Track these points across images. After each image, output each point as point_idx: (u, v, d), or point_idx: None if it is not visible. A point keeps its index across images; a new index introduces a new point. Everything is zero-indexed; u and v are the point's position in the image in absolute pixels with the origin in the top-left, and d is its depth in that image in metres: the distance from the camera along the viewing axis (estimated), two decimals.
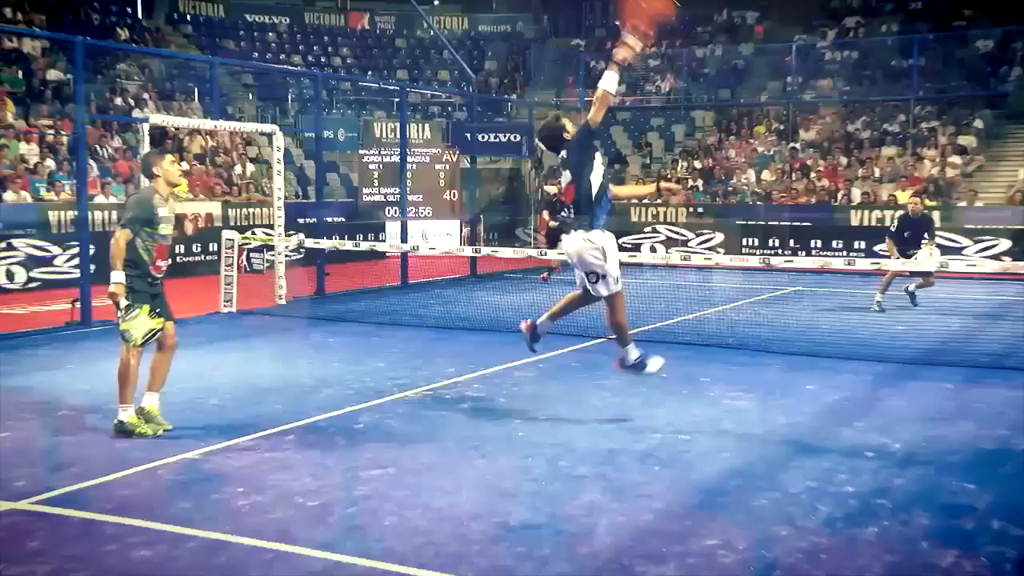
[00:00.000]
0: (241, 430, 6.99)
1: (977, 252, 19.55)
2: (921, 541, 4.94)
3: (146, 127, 12.80)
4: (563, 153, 7.45)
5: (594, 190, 7.24)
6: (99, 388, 8.21)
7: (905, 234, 13.88)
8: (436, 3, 36.07)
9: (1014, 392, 8.50)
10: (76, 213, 13.55)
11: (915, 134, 25.50)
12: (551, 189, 25.75)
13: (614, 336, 7.34)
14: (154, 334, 7.07)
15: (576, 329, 11.35)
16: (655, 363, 7.28)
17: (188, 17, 32.39)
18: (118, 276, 6.91)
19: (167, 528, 5.04)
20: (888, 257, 13.79)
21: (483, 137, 21.26)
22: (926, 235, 13.73)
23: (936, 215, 21.06)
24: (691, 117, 30.06)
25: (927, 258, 13.36)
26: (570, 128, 7.60)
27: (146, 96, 24.06)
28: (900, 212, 15.73)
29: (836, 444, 6.78)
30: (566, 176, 7.36)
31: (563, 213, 7.34)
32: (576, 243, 7.14)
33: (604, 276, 7.06)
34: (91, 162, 18.76)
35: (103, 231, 17.10)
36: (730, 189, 25.33)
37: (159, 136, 20.78)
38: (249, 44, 32.70)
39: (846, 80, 28.71)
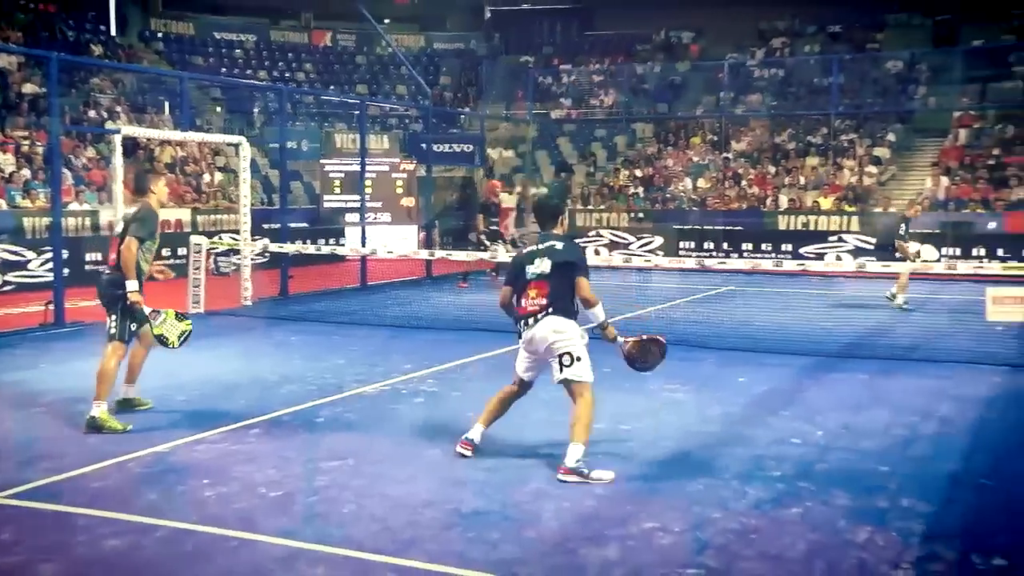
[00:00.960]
0: (208, 424, 6.88)
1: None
2: (840, 519, 5.01)
3: (118, 138, 12.58)
4: (550, 245, 6.10)
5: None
6: (72, 386, 8.06)
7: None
8: (391, 22, 35.84)
9: (922, 381, 8.67)
10: (50, 220, 13.26)
11: (835, 145, 25.89)
12: (502, 196, 25.80)
13: (573, 434, 5.81)
14: (187, 335, 7.23)
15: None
16: (604, 475, 5.74)
17: (159, 34, 31.90)
18: (134, 284, 6.96)
19: (136, 519, 4.95)
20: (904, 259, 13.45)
21: (438, 147, 21.21)
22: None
23: (854, 220, 21.49)
24: (632, 129, 30.22)
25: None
26: (565, 219, 6.47)
27: (119, 109, 23.65)
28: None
29: (765, 432, 6.85)
30: (544, 268, 6.03)
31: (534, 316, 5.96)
32: (552, 327, 5.95)
33: (580, 358, 5.94)
34: (65, 171, 18.38)
35: (76, 237, 16.78)
36: (668, 196, 25.51)
37: (131, 147, 20.47)
38: (217, 60, 32.27)
39: (773, 95, 29.09)
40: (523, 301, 6.05)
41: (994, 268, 12.47)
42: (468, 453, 6.10)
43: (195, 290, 13.11)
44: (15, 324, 11.65)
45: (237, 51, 33.45)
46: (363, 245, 17.29)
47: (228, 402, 7.70)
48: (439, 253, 14.17)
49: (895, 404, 7.77)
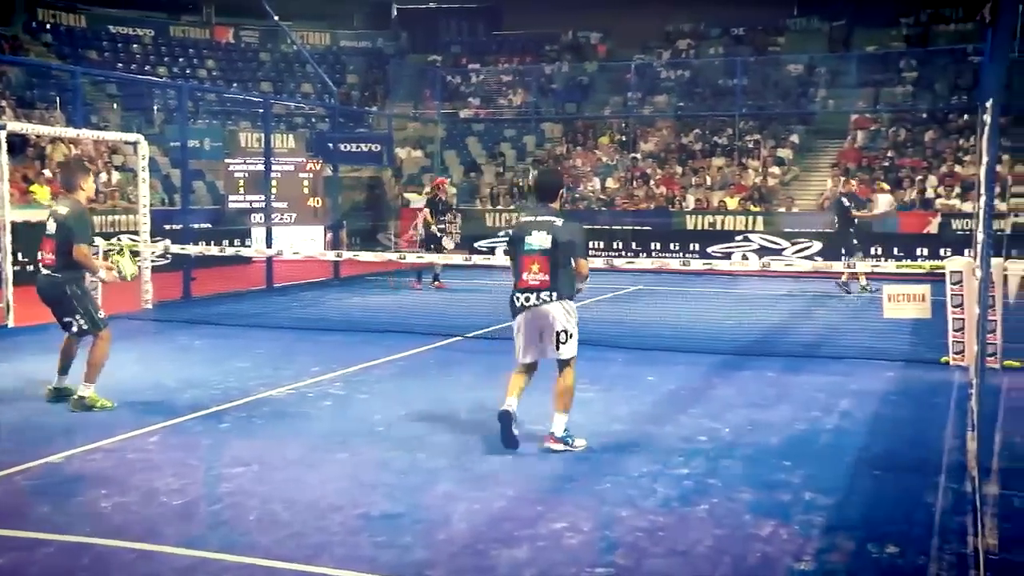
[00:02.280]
0: (104, 432, 6.66)
1: (794, 253, 20.47)
2: (745, 515, 5.13)
3: (3, 134, 12.07)
4: (549, 219, 6.46)
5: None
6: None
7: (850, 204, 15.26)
8: (296, 19, 35.31)
9: (825, 378, 8.94)
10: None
11: (740, 146, 26.54)
12: (411, 196, 25.68)
13: (559, 405, 6.36)
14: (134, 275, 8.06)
15: (431, 329, 11.34)
16: (580, 443, 6.37)
17: (48, 26, 30.71)
18: (103, 271, 7.73)
19: (24, 534, 4.75)
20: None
21: (345, 147, 20.96)
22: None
23: (759, 220, 22.06)
24: (541, 129, 30.42)
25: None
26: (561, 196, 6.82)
27: (3, 104, 22.70)
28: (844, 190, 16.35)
29: (673, 430, 6.97)
30: (541, 245, 6.35)
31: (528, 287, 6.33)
32: (564, 309, 6.35)
33: (573, 335, 6.36)
34: None
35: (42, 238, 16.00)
36: (577, 196, 25.75)
37: (19, 144, 19.67)
38: (112, 54, 31.28)
39: (680, 96, 29.66)
40: (524, 274, 6.36)
41: (890, 267, 12.96)
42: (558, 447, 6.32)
43: (92, 293, 12.65)
44: None
45: (134, 46, 32.49)
46: (269, 246, 17.00)
47: (126, 409, 7.45)
48: (347, 254, 14.02)
49: (799, 400, 7.99)
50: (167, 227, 17.81)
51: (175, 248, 14.17)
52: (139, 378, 8.74)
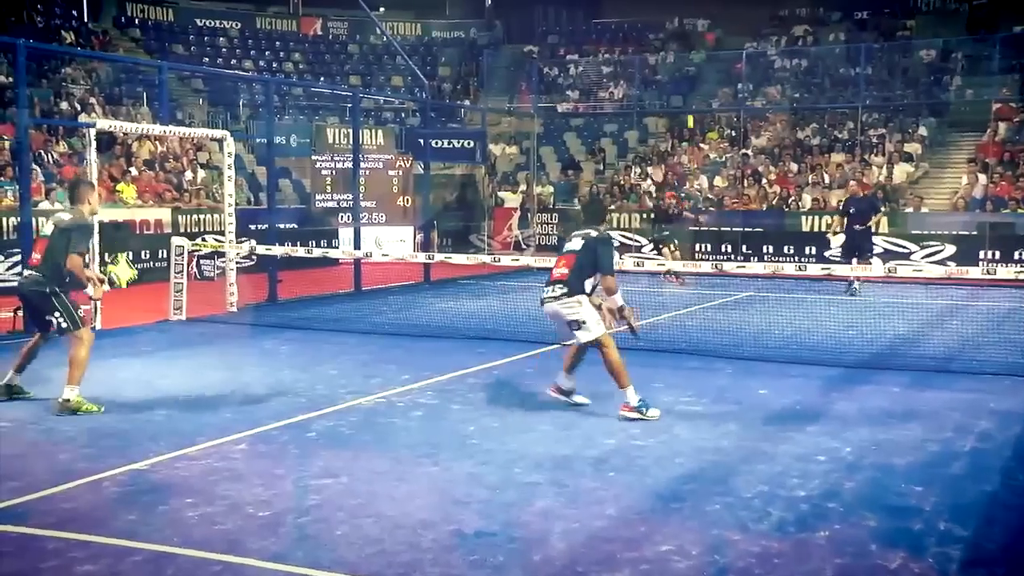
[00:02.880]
0: (190, 439, 6.87)
1: (923, 257, 19.87)
2: (870, 543, 4.98)
3: (92, 132, 12.58)
4: (587, 233, 7.94)
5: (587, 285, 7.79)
6: (41, 399, 8.05)
7: (851, 210, 16.40)
8: (386, 9, 35.93)
9: (958, 395, 8.63)
10: (19, 220, 13.27)
11: (863, 141, 25.89)
12: (505, 195, 25.82)
13: (618, 383, 7.67)
14: (133, 280, 8.59)
15: (529, 336, 11.36)
16: (654, 412, 7.56)
17: (136, 20, 31.96)
18: (91, 288, 8.05)
19: (111, 542, 4.93)
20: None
21: (436, 143, 21.21)
22: (870, 212, 16.51)
23: (883, 221, 21.46)
24: (644, 123, 30.26)
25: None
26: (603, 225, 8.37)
27: (92, 101, 23.67)
28: (847, 195, 17.77)
29: (787, 448, 6.83)
30: (575, 246, 7.86)
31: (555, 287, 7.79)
32: (558, 306, 7.72)
33: (585, 321, 7.60)
34: (35, 167, 18.40)
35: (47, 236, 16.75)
36: (683, 195, 25.49)
37: (106, 141, 20.49)
38: (199, 48, 32.36)
39: (795, 88, 29.10)
40: (554, 269, 7.83)
41: None
42: (559, 397, 7.97)
43: (176, 296, 13.11)
44: None
45: (220, 39, 33.53)
46: (357, 247, 17.29)
47: (212, 415, 7.69)
48: (438, 256, 14.17)
49: (929, 419, 7.74)
50: (252, 227, 18.31)
51: (261, 249, 14.53)
52: (224, 383, 8.99)
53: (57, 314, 7.78)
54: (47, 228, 8.01)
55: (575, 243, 7.81)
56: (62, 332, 7.85)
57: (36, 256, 7.96)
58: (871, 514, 5.40)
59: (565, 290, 7.62)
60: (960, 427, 7.46)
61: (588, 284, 7.68)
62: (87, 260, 8.04)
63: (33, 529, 5.12)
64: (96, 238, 12.27)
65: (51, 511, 5.42)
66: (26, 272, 8.06)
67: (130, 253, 8.22)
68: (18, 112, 12.47)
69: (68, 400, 7.60)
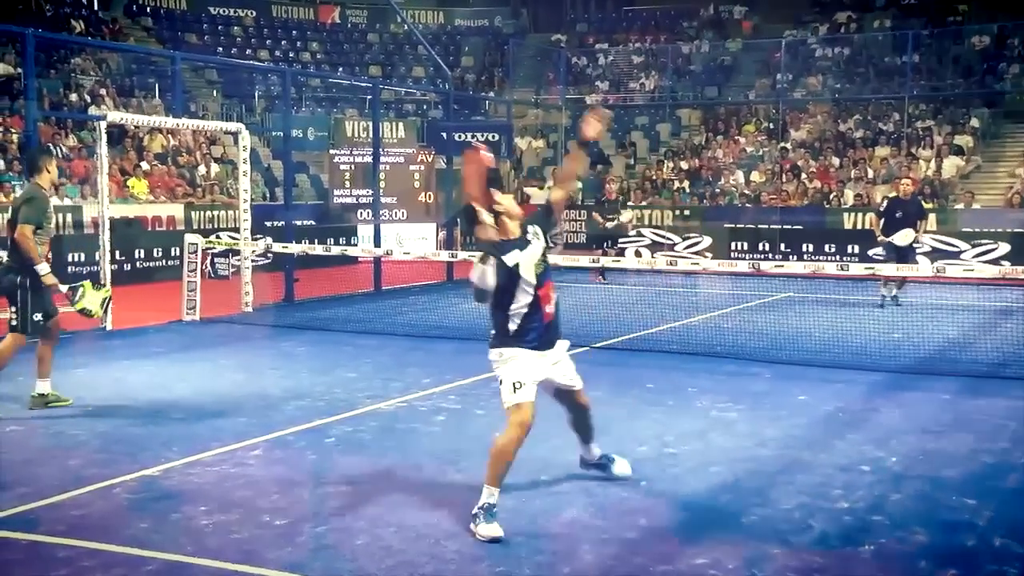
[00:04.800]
0: (204, 445, 6.92)
1: (975, 256, 19.68)
2: (919, 559, 4.94)
3: (103, 125, 12.70)
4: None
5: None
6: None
7: (897, 214, 14.87)
8: None
9: (1014, 403, 8.55)
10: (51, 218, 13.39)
11: (909, 133, 25.69)
12: (532, 191, 25.81)
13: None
14: (108, 301, 8.22)
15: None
16: (492, 530, 5.19)
17: (148, 9, 32.16)
18: (45, 268, 7.78)
19: (123, 550, 4.97)
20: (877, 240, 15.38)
21: (460, 136, 21.19)
22: (917, 217, 15.01)
23: (931, 218, 21.26)
24: (677, 116, 30.16)
25: (904, 236, 14.69)
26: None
27: (103, 92, 23.87)
28: (892, 194, 16.50)
29: (829, 457, 6.79)
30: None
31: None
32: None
33: (502, 381, 5.86)
34: None
35: (57, 234, 16.93)
36: (718, 191, 25.41)
37: (117, 134, 20.66)
38: (213, 38, 32.55)
39: (837, 78, 28.91)
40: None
41: None
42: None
43: (190, 295, 13.21)
44: None
45: (235, 28, 33.72)
46: (377, 245, 17.35)
47: (227, 420, 7.74)
48: (461, 254, 14.18)
49: (982, 428, 7.67)
50: (268, 224, 18.40)
51: (277, 247, 14.62)
52: (240, 387, 9.05)
53: (13, 309, 7.76)
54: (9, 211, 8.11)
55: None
56: (11, 328, 7.82)
57: (7, 244, 8.05)
58: (920, 528, 5.36)
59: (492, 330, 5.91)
60: (1016, 437, 7.39)
61: (513, 323, 5.79)
62: (45, 232, 7.87)
63: (43, 536, 5.18)
64: (107, 234, 12.40)
65: (61, 518, 5.48)
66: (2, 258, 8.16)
67: (94, 273, 8.12)
68: (27, 104, 12.59)
69: None
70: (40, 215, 7.77)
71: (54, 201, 18.05)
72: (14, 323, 7.78)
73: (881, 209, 15.46)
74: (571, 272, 17.88)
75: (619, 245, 19.48)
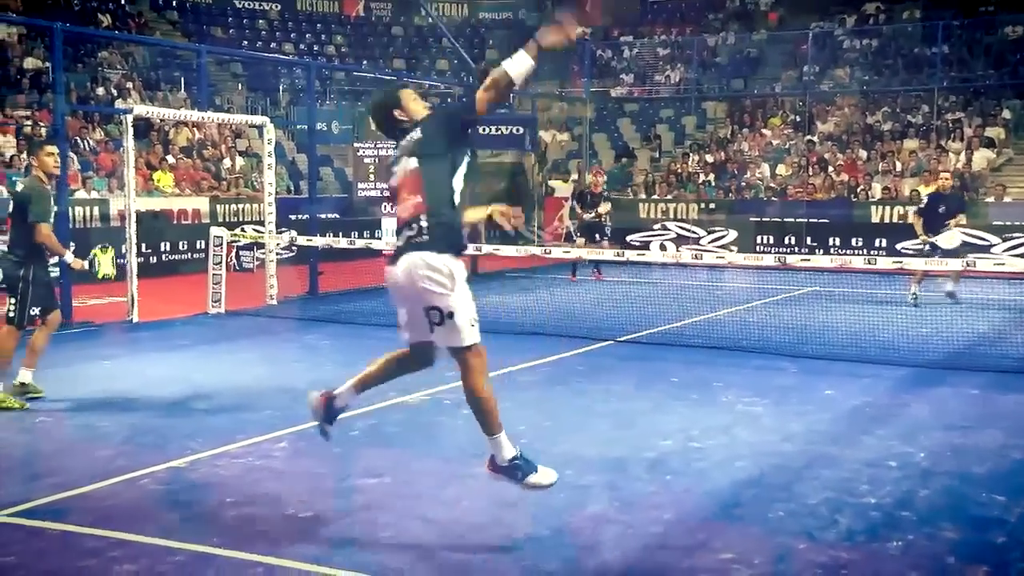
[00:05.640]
0: (230, 437, 6.97)
1: (1006, 250, 19.51)
2: (948, 556, 4.92)
3: (129, 118, 12.79)
4: (410, 138, 5.24)
5: (456, 198, 5.14)
6: (79, 394, 8.22)
7: (940, 209, 14.27)
8: None
9: None
10: (55, 209, 13.50)
11: (939, 126, 25.46)
12: (556, 184, 25.80)
13: (474, 414, 5.26)
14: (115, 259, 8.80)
15: (580, 331, 11.35)
16: (543, 476, 5.12)
17: (174, 3, 32.33)
18: (71, 256, 8.20)
19: (151, 541, 5.02)
20: (915, 237, 14.72)
21: (484, 130, 21.20)
22: (958, 212, 14.32)
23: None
24: (702, 108, 30.03)
25: (951, 238, 14.08)
26: (412, 106, 5.43)
27: (129, 86, 24.04)
28: (930, 189, 16.23)
29: (856, 453, 6.76)
30: (405, 170, 5.20)
31: (405, 230, 5.13)
32: (410, 266, 5.02)
33: (452, 314, 5.00)
34: (71, 155, 18.74)
35: (84, 228, 17.10)
36: (744, 184, 25.29)
37: (143, 128, 20.80)
38: (238, 31, 32.68)
39: (865, 69, 28.66)
40: (398, 206, 5.24)
41: None
42: (318, 407, 5.55)
43: (215, 288, 13.30)
44: None
45: (260, 21, 33.84)
46: None
47: (252, 412, 7.79)
48: (486, 248, 14.18)
49: (1012, 423, 7.62)
50: (292, 217, 18.49)
51: (301, 240, 14.68)
52: (265, 380, 9.11)
53: (13, 301, 7.87)
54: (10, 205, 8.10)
55: (408, 159, 5.19)
56: (8, 321, 7.91)
57: (5, 237, 8.17)
58: (949, 525, 5.33)
59: (425, 236, 4.98)
60: None
61: (459, 238, 5.17)
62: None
63: (72, 526, 5.23)
64: (133, 228, 12.50)
65: (90, 509, 5.54)
66: (2, 250, 8.19)
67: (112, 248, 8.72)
68: (55, 98, 12.70)
69: None
70: (49, 209, 7.96)
71: (80, 193, 18.37)
72: (11, 315, 7.89)
73: (922, 206, 14.79)
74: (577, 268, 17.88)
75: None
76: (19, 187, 8.10)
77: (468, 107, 5.17)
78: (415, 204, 5.06)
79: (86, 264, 8.40)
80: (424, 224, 5.00)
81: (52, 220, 8.03)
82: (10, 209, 8.04)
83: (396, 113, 5.42)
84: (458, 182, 5.12)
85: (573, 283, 17.57)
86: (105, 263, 8.52)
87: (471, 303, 5.06)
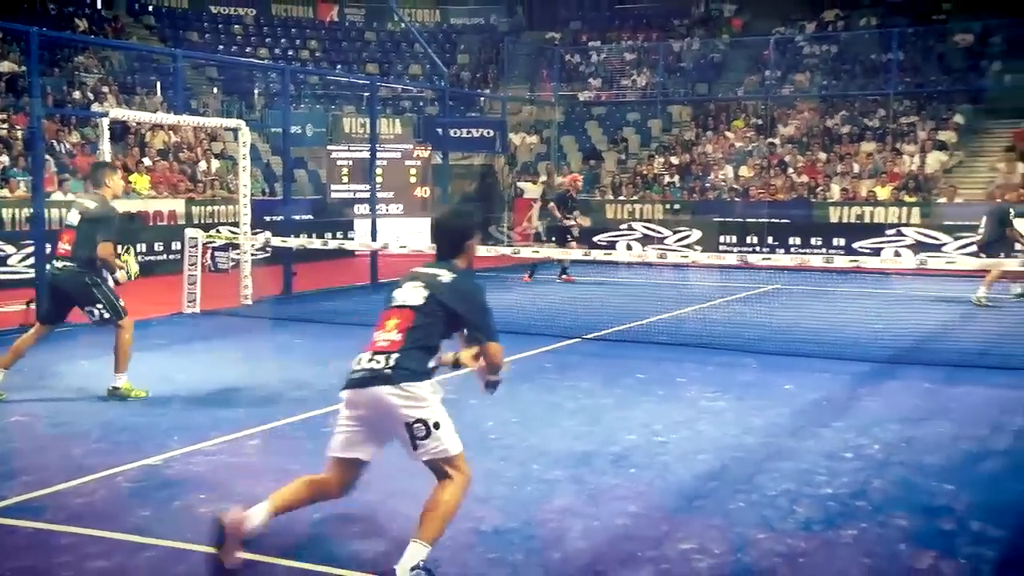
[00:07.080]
0: (204, 434, 6.92)
1: (956, 249, 19.71)
2: (899, 543, 4.97)
3: (106, 122, 12.68)
4: (436, 275, 5.12)
5: (433, 359, 4.90)
6: (54, 393, 8.13)
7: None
8: None
9: (993, 391, 8.58)
10: (31, 211, 13.38)
11: (894, 129, 25.69)
12: (525, 186, 25.80)
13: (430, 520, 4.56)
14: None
15: (548, 329, 11.36)
16: None
17: (150, 8, 32.06)
18: (122, 275, 8.27)
19: (125, 537, 4.98)
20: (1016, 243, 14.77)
21: (455, 133, 21.23)
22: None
23: (915, 212, 21.33)
24: (668, 112, 30.13)
25: None
26: (472, 254, 5.33)
27: (106, 89, 23.81)
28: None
29: (814, 445, 6.81)
30: (407, 299, 5.04)
31: (373, 359, 4.83)
32: (380, 394, 4.69)
33: (439, 424, 4.66)
34: (48, 158, 18.54)
35: (60, 229, 16.88)
36: (707, 185, 25.41)
37: (120, 131, 20.61)
38: (214, 36, 32.46)
39: (825, 75, 28.90)
40: (377, 332, 4.92)
41: None
42: (230, 529, 4.53)
43: (190, 288, 13.20)
44: None
45: (235, 26, 33.64)
46: (374, 239, 17.33)
47: (226, 410, 7.74)
48: None
49: (962, 416, 7.70)
50: (267, 218, 18.37)
51: (275, 241, 14.61)
52: (239, 378, 9.05)
53: (100, 305, 7.96)
54: (71, 217, 8.10)
55: (412, 291, 5.00)
56: (104, 322, 8.02)
57: (65, 247, 8.03)
58: (901, 513, 5.39)
59: (404, 369, 4.64)
60: (995, 424, 7.42)
61: (433, 361, 4.82)
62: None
63: (46, 524, 5.18)
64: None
65: (64, 506, 5.48)
66: (58, 264, 8.09)
67: (136, 247, 8.73)
68: (31, 101, 12.56)
69: (118, 388, 7.99)
70: (114, 231, 8.08)
71: (56, 195, 18.16)
72: (108, 315, 7.97)
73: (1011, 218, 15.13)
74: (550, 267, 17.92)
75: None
76: (89, 204, 8.11)
77: (484, 333, 4.92)
78: (394, 342, 4.78)
79: (128, 275, 8.41)
80: (393, 363, 4.69)
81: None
82: (74, 222, 8.06)
83: (466, 245, 5.21)
84: (441, 345, 4.87)
85: (527, 283, 17.35)
86: (132, 265, 8.52)
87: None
